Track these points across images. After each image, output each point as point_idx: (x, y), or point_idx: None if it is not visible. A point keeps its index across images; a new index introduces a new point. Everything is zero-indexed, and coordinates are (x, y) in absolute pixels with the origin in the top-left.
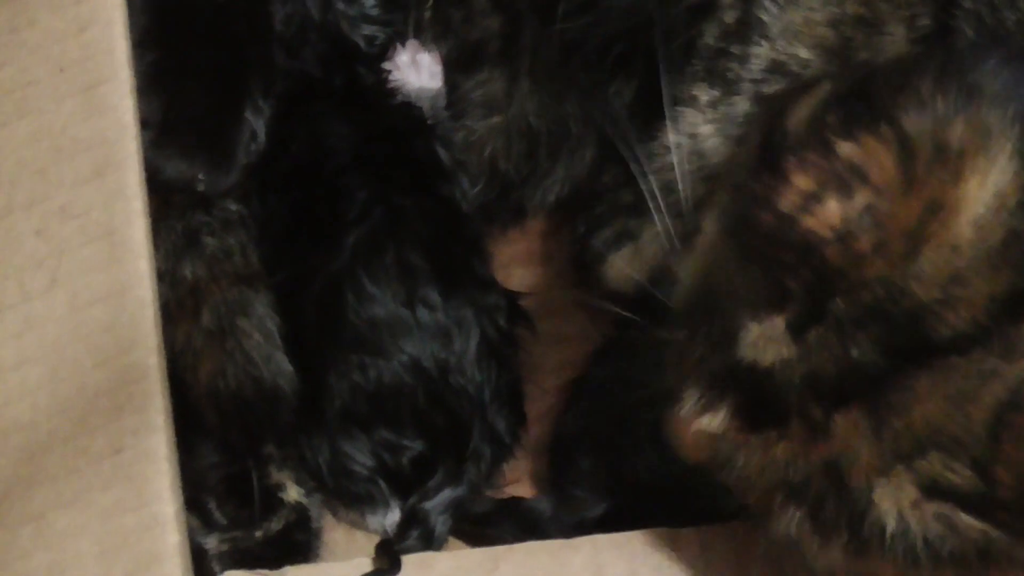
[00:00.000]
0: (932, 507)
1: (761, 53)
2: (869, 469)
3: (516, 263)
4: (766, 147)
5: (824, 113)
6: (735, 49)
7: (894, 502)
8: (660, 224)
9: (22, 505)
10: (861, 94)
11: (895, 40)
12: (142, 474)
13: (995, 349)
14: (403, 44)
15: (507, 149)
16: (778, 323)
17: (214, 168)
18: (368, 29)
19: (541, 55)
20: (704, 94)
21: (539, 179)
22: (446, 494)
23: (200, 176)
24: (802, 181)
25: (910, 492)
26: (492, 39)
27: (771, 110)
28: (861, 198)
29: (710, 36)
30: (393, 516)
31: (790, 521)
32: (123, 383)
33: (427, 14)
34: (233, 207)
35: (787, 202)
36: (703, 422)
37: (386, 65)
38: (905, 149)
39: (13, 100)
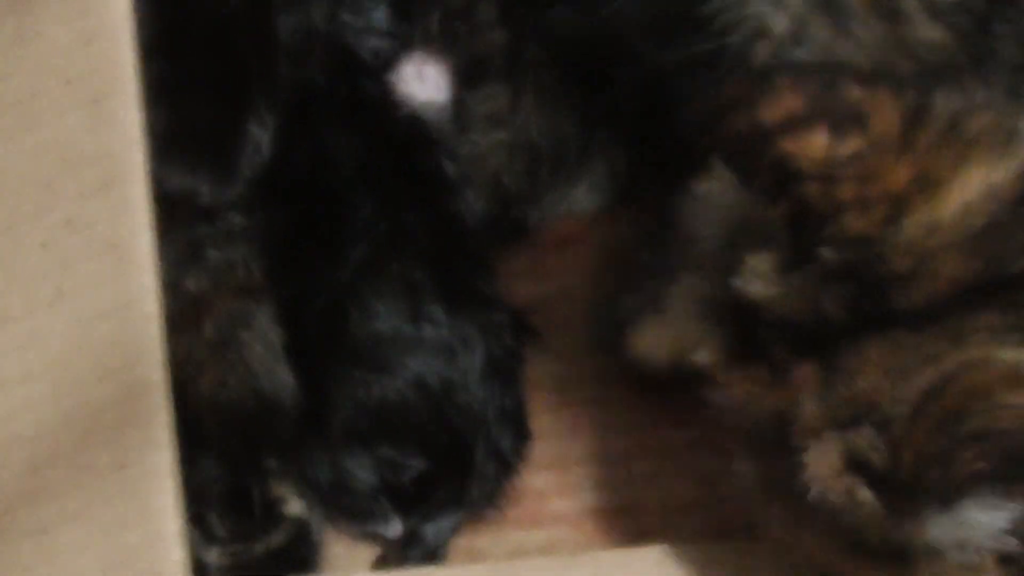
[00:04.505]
0: (846, 480)
1: None
2: (808, 429)
3: (520, 277)
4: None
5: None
6: None
7: (819, 468)
8: (687, 282)
9: (25, 519)
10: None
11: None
12: (146, 490)
13: (945, 334)
14: (409, 56)
15: (510, 164)
16: (770, 259)
17: (217, 180)
18: (374, 41)
19: (542, 75)
20: None
21: (539, 196)
22: (446, 515)
23: (203, 188)
24: (791, 101)
25: (834, 461)
26: (497, 54)
27: None
28: (852, 142)
29: None
30: (396, 529)
31: (744, 473)
32: (127, 398)
33: (434, 27)
34: (237, 219)
35: (768, 113)
36: (696, 356)
37: (391, 77)
38: (918, 115)
39: (19, 112)
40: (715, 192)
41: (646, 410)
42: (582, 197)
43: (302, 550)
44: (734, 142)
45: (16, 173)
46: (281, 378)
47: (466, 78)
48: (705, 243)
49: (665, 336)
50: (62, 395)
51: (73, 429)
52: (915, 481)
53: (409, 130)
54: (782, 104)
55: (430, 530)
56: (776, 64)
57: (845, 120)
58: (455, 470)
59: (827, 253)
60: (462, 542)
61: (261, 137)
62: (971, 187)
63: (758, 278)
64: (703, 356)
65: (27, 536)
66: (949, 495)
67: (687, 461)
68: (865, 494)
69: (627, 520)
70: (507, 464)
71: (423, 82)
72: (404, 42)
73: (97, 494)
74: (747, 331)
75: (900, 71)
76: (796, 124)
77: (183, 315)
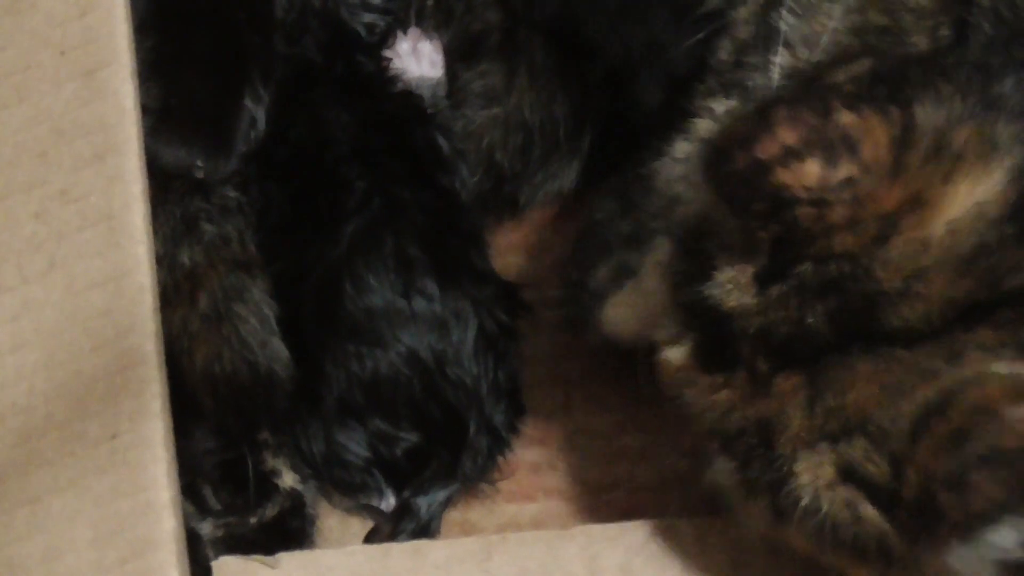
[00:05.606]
0: (844, 492)
1: (781, 62)
2: (796, 439)
3: (513, 251)
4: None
5: (846, 82)
6: (753, 59)
7: (812, 478)
8: (663, 248)
9: (18, 489)
10: (891, 76)
11: (918, 50)
12: (138, 460)
13: (940, 351)
14: (404, 32)
15: (504, 141)
16: (748, 271)
17: (213, 154)
18: (369, 17)
19: (535, 55)
20: (721, 105)
21: (531, 175)
22: (439, 488)
23: (199, 162)
24: (786, 135)
25: (828, 472)
26: (492, 32)
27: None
28: (845, 169)
29: (724, 52)
30: (388, 503)
31: (722, 470)
32: (120, 368)
33: (429, 3)
34: (232, 194)
35: (765, 150)
36: (668, 353)
37: (387, 53)
38: (905, 136)
39: (13, 83)
40: (695, 156)
41: (637, 385)
42: (573, 176)
43: (295, 523)
44: (734, 179)
45: (10, 144)
46: (275, 351)
47: (461, 55)
48: (687, 206)
49: (637, 307)
50: (55, 365)
51: (66, 399)
52: (926, 504)
53: (403, 106)
54: (778, 139)
55: (423, 503)
56: (771, 98)
57: (837, 148)
58: (448, 444)
59: (805, 269)
60: (455, 515)
61: (256, 112)
62: (958, 205)
63: (735, 288)
64: (676, 356)
65: (19, 505)
66: (969, 526)
67: (678, 436)
68: (868, 510)
69: (619, 494)
70: (500, 438)
71: (418, 58)
72: (399, 18)
73: (89, 463)
74: (722, 338)
75: (878, 52)
76: (790, 156)
77: (178, 288)
